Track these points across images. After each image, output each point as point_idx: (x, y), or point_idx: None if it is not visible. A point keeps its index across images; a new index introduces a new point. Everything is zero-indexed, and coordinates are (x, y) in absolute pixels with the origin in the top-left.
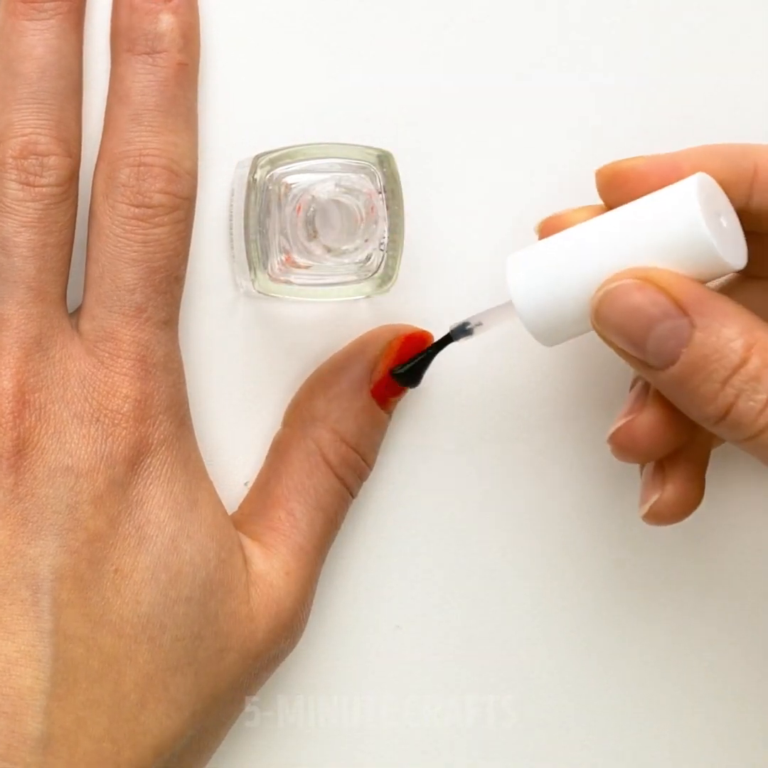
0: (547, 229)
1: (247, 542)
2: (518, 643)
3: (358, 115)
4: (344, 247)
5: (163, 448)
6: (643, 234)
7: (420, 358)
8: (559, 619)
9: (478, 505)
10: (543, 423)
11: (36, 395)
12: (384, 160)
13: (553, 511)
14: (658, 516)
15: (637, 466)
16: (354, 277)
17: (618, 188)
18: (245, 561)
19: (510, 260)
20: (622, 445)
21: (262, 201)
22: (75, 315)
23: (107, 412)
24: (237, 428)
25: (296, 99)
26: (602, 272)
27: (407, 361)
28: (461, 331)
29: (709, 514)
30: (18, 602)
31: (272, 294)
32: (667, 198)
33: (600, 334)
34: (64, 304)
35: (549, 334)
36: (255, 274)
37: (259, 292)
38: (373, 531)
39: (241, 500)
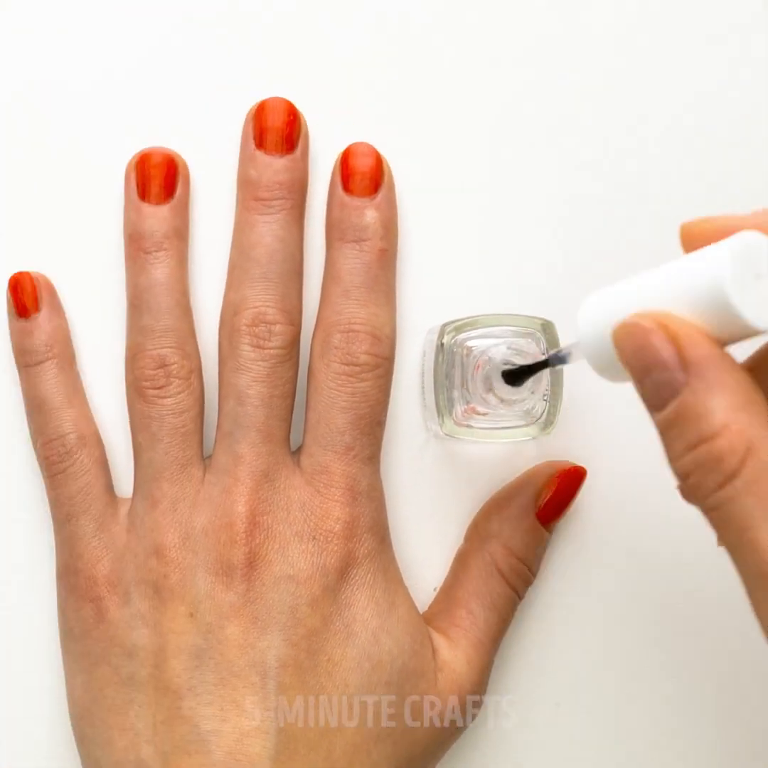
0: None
1: (435, 636)
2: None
3: (524, 288)
4: (514, 398)
5: (367, 561)
6: (679, 287)
7: (527, 368)
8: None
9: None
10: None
11: (264, 518)
12: (546, 327)
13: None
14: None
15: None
16: (522, 422)
17: (691, 246)
18: (434, 651)
19: (583, 302)
20: None
21: (448, 360)
22: (296, 453)
23: (322, 531)
24: (427, 544)
25: (475, 276)
26: None
27: (519, 368)
28: (557, 359)
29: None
30: (250, 685)
31: (456, 436)
32: (705, 255)
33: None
34: (288, 443)
35: (609, 372)
36: (442, 419)
37: (446, 435)
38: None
39: (430, 602)
